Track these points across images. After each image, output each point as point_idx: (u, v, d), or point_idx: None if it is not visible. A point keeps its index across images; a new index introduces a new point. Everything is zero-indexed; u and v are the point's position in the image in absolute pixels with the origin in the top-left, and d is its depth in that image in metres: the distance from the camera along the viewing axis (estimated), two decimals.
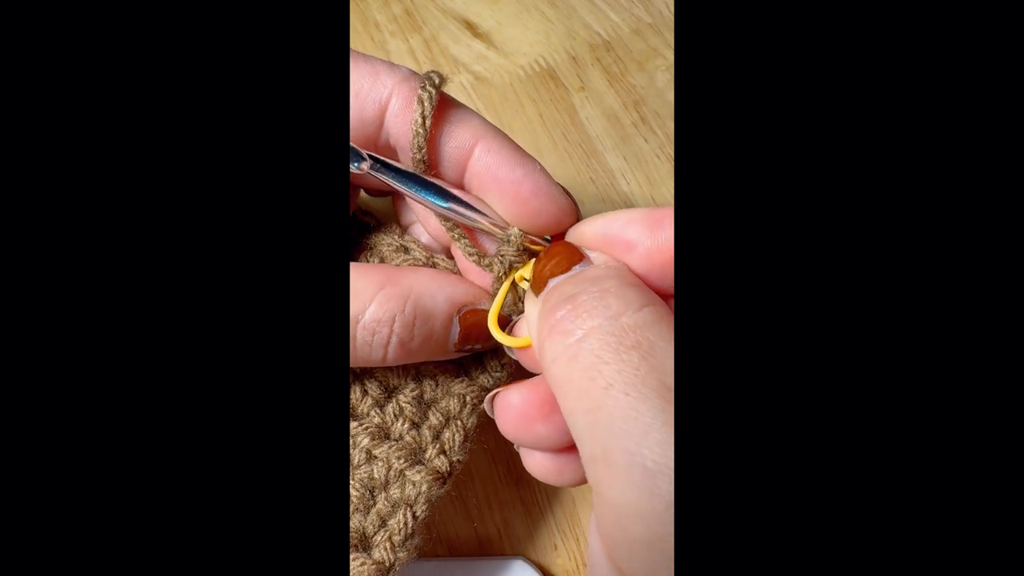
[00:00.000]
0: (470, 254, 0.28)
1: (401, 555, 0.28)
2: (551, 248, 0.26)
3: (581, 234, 0.27)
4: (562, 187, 0.28)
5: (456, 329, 0.28)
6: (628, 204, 0.44)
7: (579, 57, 0.49)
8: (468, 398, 0.30)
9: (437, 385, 0.30)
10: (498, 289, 0.29)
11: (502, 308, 0.29)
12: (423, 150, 0.27)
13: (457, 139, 0.27)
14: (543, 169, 0.28)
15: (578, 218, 0.28)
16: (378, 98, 0.27)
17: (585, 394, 0.22)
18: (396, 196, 0.34)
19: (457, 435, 0.30)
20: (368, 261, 0.32)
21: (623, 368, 0.21)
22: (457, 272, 0.30)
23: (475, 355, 0.31)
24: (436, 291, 0.28)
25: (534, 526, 0.37)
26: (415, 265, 0.30)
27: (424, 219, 0.31)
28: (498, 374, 0.31)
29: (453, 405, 0.30)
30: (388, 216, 0.34)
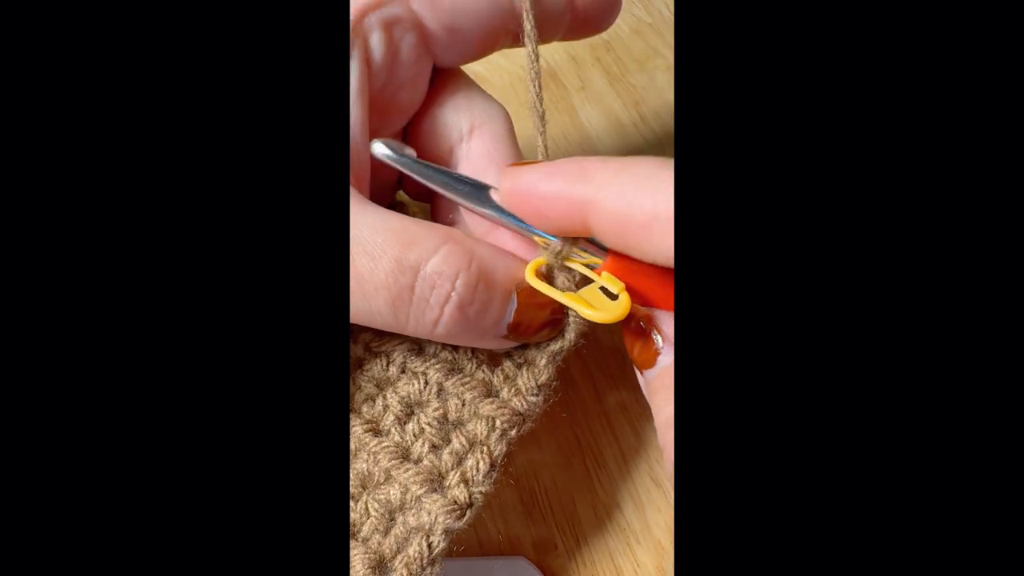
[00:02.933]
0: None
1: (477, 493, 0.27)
2: (626, 332, 0.27)
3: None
4: None
5: (513, 306, 0.26)
6: None
7: (579, 57, 0.49)
8: (498, 422, 0.27)
9: (464, 405, 0.28)
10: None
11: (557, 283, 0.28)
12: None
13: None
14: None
15: None
16: None
17: None
18: (434, 203, 0.33)
19: (482, 463, 0.27)
20: None
21: None
22: None
23: (509, 376, 0.28)
24: (499, 261, 0.27)
25: (534, 526, 0.37)
26: None
27: (466, 222, 0.30)
28: (533, 398, 0.28)
29: (480, 429, 0.27)
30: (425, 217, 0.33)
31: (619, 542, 0.36)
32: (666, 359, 0.26)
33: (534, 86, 0.28)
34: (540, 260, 0.28)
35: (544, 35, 0.29)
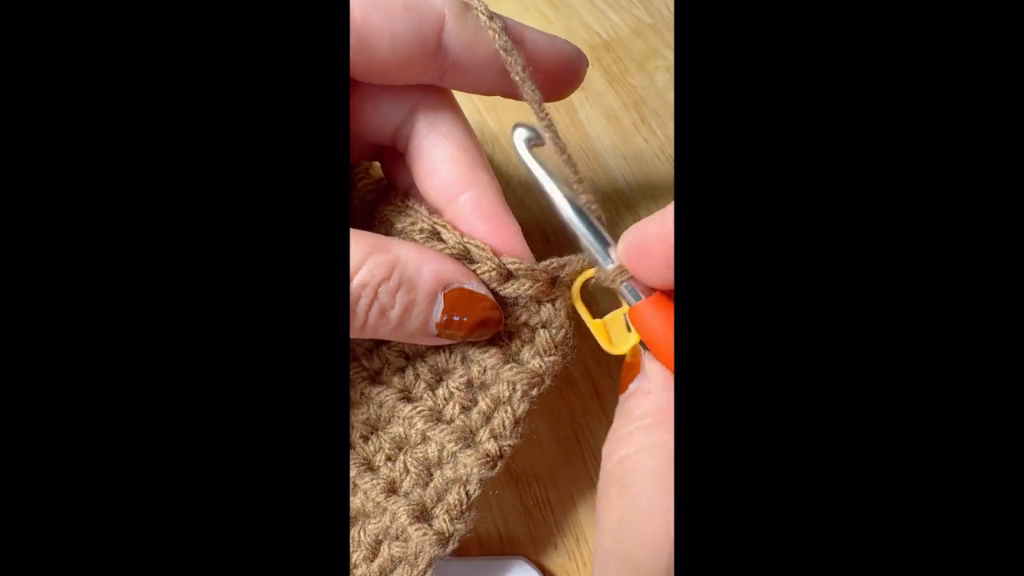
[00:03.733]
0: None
1: (459, 527, 0.30)
2: (629, 370, 0.29)
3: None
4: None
5: (440, 306, 0.28)
6: (628, 204, 0.44)
7: None
8: (518, 385, 0.30)
9: (485, 371, 0.30)
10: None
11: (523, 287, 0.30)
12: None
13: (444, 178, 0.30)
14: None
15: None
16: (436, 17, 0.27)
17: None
18: (388, 158, 0.34)
19: (507, 420, 0.30)
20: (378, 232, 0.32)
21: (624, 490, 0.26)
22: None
23: (529, 340, 0.31)
24: (423, 264, 0.28)
25: (534, 526, 0.37)
26: (445, 251, 0.30)
27: (424, 184, 0.31)
28: (552, 357, 0.30)
29: (503, 391, 0.30)
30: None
31: None
32: (636, 383, 0.28)
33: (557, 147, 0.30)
34: (589, 273, 0.30)
35: (482, 88, 0.30)
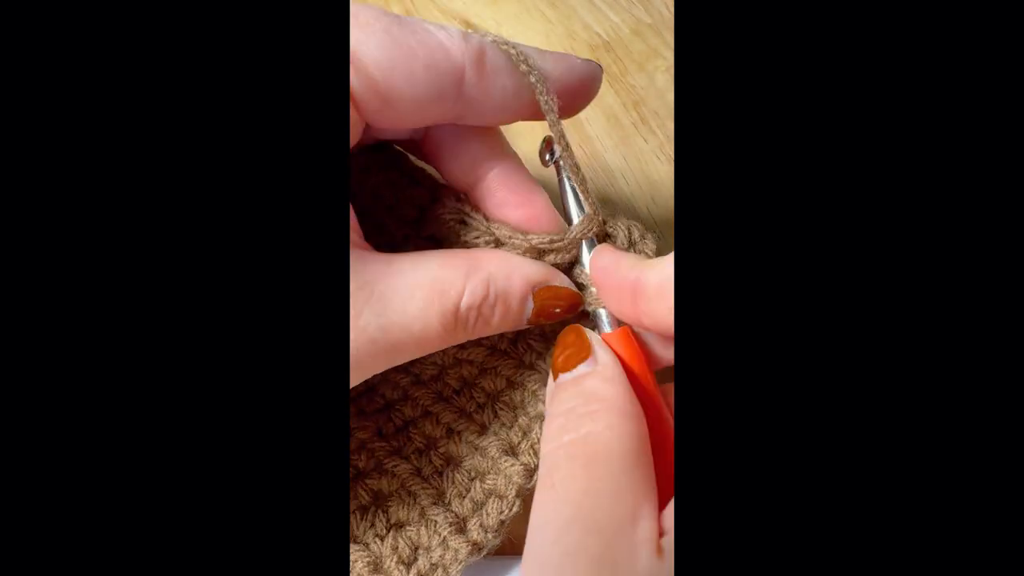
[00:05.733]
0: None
1: (491, 537, 0.33)
2: (565, 337, 0.31)
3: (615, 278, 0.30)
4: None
5: (531, 306, 0.31)
6: (628, 204, 0.44)
7: None
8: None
9: (525, 393, 0.34)
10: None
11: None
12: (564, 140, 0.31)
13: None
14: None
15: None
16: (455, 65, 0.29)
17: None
18: (424, 143, 0.35)
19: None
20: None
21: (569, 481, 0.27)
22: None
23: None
24: (512, 272, 0.31)
25: None
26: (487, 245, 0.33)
27: (449, 167, 0.33)
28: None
29: (539, 407, 0.33)
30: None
31: None
32: (583, 368, 0.30)
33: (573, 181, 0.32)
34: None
35: (520, 106, 0.31)
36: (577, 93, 0.32)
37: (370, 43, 0.26)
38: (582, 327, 0.31)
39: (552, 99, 0.30)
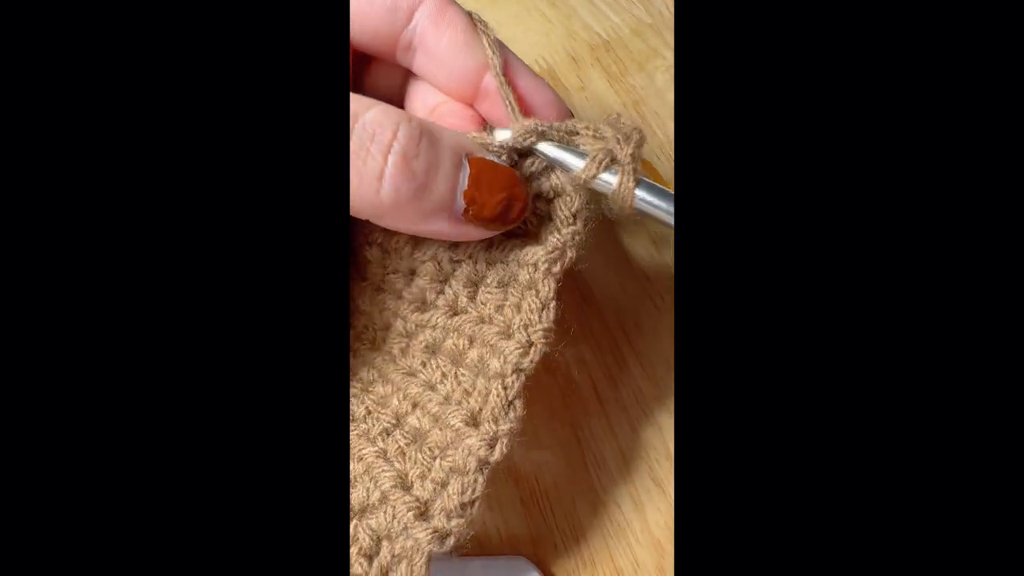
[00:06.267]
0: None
1: (504, 426, 0.30)
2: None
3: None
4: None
5: (466, 172, 0.26)
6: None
7: (579, 57, 0.49)
8: (539, 264, 0.30)
9: (509, 264, 0.31)
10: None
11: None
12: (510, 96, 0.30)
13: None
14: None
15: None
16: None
17: None
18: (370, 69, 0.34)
19: (534, 304, 0.30)
20: None
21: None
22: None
23: (545, 216, 0.30)
24: (444, 129, 0.27)
25: (534, 526, 0.37)
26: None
27: (441, 76, 0.31)
28: (569, 228, 0.30)
29: (526, 275, 0.30)
30: None
31: (619, 542, 0.36)
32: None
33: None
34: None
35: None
36: (541, 112, 0.31)
37: None
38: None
39: (500, 63, 0.29)
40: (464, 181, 0.26)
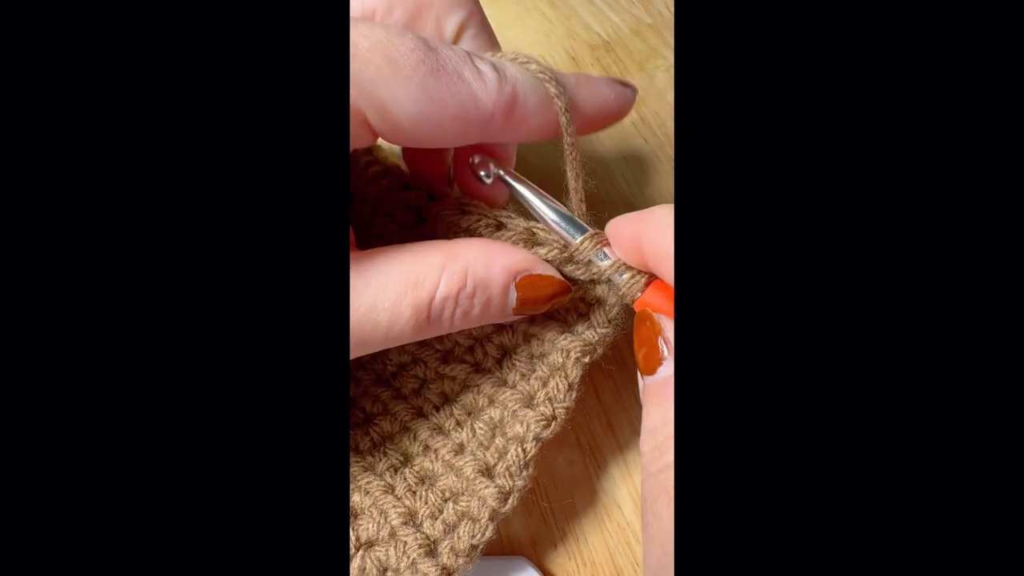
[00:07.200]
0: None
1: (519, 482, 0.32)
2: (639, 330, 0.29)
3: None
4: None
5: (514, 295, 0.30)
6: (627, 204, 0.44)
7: (579, 57, 0.49)
8: (571, 352, 0.32)
9: (543, 344, 0.33)
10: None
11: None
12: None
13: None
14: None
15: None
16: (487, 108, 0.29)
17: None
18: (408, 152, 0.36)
19: (561, 384, 0.32)
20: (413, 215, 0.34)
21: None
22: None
23: (584, 315, 0.33)
24: (492, 262, 0.30)
25: (534, 526, 0.37)
26: (512, 238, 0.32)
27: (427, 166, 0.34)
28: (604, 329, 0.32)
29: (558, 359, 0.33)
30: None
31: (619, 542, 0.36)
32: (666, 370, 0.28)
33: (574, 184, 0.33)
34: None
35: (546, 134, 0.31)
36: (607, 120, 0.34)
37: (407, 101, 0.26)
38: (651, 313, 0.29)
39: (575, 140, 0.31)
40: (513, 301, 0.30)
